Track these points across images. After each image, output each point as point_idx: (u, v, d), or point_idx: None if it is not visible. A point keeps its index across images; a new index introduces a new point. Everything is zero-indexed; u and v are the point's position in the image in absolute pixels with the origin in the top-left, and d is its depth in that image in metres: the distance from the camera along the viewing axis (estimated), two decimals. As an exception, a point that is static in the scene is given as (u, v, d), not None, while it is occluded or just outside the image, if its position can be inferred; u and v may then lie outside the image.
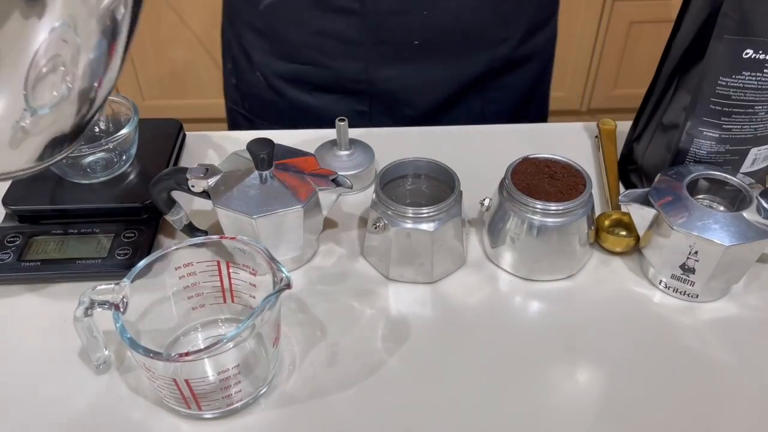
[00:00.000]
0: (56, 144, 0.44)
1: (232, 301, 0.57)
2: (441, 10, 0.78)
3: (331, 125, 0.85)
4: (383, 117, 0.87)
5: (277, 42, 0.83)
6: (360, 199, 0.71)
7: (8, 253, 0.62)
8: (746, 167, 0.63)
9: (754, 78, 0.57)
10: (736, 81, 0.58)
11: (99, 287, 0.49)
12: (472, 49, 0.83)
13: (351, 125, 0.80)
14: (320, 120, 0.87)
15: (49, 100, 0.38)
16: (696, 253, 0.56)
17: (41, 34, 0.36)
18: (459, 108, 0.88)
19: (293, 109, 0.88)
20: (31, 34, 0.35)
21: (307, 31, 0.80)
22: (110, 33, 0.40)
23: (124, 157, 0.68)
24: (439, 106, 0.87)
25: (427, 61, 0.82)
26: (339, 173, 0.62)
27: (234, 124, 0.97)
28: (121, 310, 0.48)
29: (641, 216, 0.60)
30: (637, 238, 0.63)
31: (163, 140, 0.74)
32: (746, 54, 0.56)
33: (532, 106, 0.95)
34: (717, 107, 0.59)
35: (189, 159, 0.78)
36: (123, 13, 0.40)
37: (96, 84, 0.43)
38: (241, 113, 0.94)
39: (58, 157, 0.46)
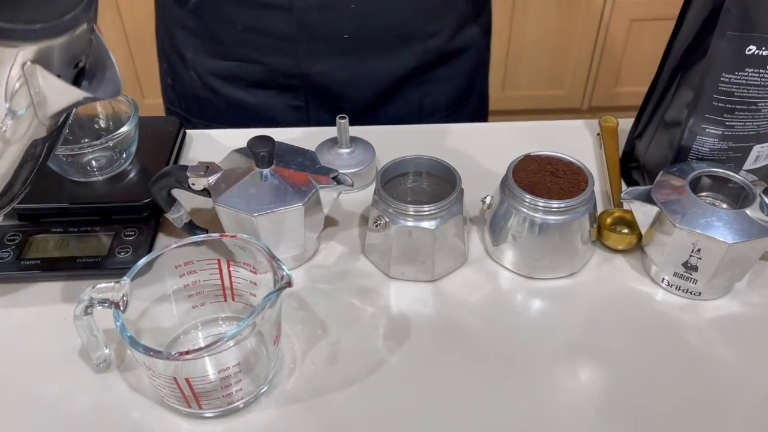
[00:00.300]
0: (35, 148, 0.44)
1: (233, 300, 0.56)
2: (368, 2, 0.78)
3: (269, 122, 0.84)
4: (320, 111, 0.87)
5: (209, 40, 0.83)
6: (361, 197, 0.71)
7: (8, 251, 0.61)
8: (749, 164, 0.63)
9: (757, 75, 0.57)
10: (739, 78, 0.57)
11: (99, 286, 0.49)
12: (403, 42, 0.83)
13: (288, 121, 0.79)
14: (258, 117, 0.87)
15: (25, 102, 0.40)
16: (699, 250, 0.56)
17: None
18: (396, 101, 0.88)
19: (229, 107, 0.87)
20: (7, 59, 0.37)
21: (237, 28, 0.80)
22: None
23: (124, 156, 0.68)
24: (375, 100, 0.87)
25: (359, 54, 0.82)
26: (340, 171, 0.61)
27: None
28: (122, 308, 0.48)
29: (643, 213, 0.60)
30: (640, 236, 0.62)
31: (163, 138, 0.74)
32: (749, 50, 0.56)
33: (470, 101, 0.95)
34: (720, 104, 0.59)
35: (189, 157, 0.78)
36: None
37: None
38: (178, 113, 0.93)
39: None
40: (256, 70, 0.84)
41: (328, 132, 0.76)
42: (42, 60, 0.37)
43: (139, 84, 2.07)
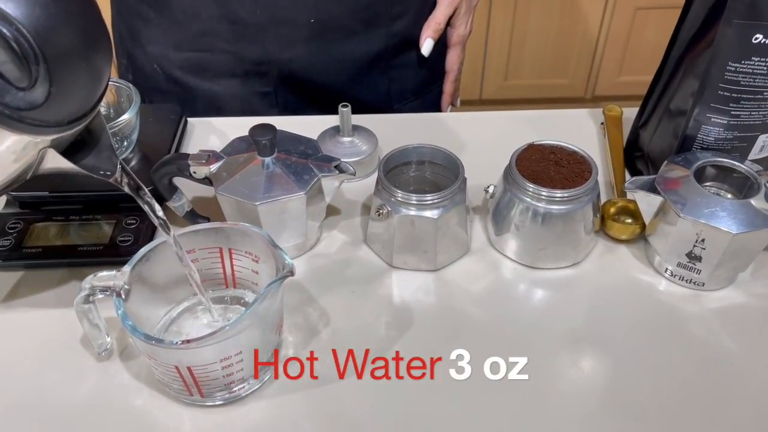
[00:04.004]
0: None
1: (235, 288, 0.56)
2: None
3: (238, 112, 0.83)
4: (289, 97, 0.87)
5: (172, 32, 0.82)
6: (363, 185, 0.71)
7: (9, 239, 0.61)
8: (754, 154, 0.63)
9: (763, 63, 0.56)
10: (745, 66, 0.57)
11: (100, 274, 0.49)
12: (368, 26, 0.82)
13: (256, 108, 0.77)
14: (227, 107, 0.86)
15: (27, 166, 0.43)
16: (703, 241, 0.55)
17: None
18: (364, 86, 0.87)
19: (196, 98, 0.86)
20: (30, 147, 0.41)
21: (201, 17, 0.79)
22: None
23: (125, 143, 0.68)
24: (344, 85, 0.86)
25: (326, 39, 0.81)
26: (342, 160, 0.61)
27: None
28: (123, 296, 0.48)
29: (647, 203, 0.59)
30: (643, 226, 0.62)
31: (164, 126, 0.74)
32: (756, 39, 0.55)
33: (437, 85, 0.95)
34: (725, 93, 0.59)
35: (191, 145, 0.78)
36: None
37: None
38: None
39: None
40: (222, 59, 0.83)
41: (330, 120, 0.75)
42: (55, 143, 0.41)
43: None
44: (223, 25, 0.79)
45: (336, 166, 0.60)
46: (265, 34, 0.79)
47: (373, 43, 0.84)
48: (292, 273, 0.48)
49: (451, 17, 0.87)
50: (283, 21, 0.79)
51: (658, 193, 0.58)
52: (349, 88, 0.86)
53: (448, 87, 0.94)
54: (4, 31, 0.36)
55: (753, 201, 0.55)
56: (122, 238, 0.62)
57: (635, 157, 0.72)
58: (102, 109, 0.70)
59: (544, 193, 0.58)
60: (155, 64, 0.85)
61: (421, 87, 0.93)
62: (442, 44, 0.90)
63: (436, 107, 0.96)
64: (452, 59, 0.92)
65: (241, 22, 0.78)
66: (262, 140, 0.58)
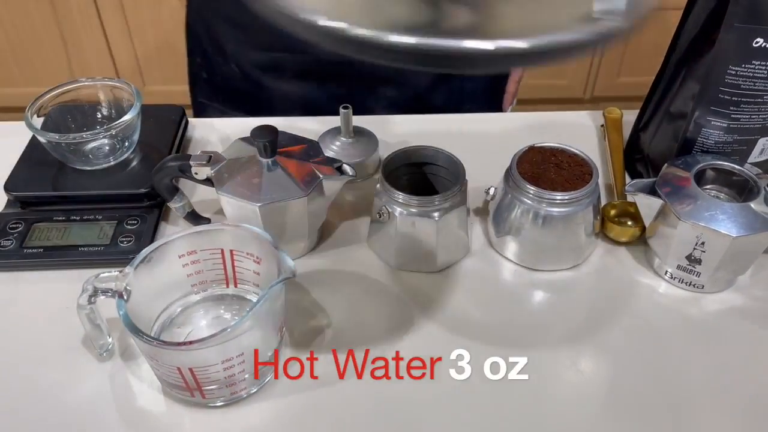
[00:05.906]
0: None
1: (236, 288, 0.56)
2: None
3: (314, 112, 0.83)
4: (366, 100, 0.86)
5: (253, 31, 0.82)
6: (364, 187, 0.71)
7: (10, 239, 0.61)
8: (754, 157, 0.63)
9: (764, 67, 0.56)
10: (745, 70, 0.57)
11: (102, 275, 0.49)
12: None
13: (332, 110, 0.78)
14: (302, 108, 0.86)
15: None
16: (703, 243, 0.56)
17: None
18: (439, 87, 0.87)
19: (272, 98, 0.86)
20: None
21: None
22: None
23: (126, 144, 0.68)
24: (419, 86, 0.86)
25: None
26: (343, 161, 0.61)
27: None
28: (125, 297, 0.48)
29: (647, 206, 0.59)
30: (643, 228, 0.62)
31: (165, 126, 0.74)
32: (756, 43, 0.55)
33: (502, 86, 0.96)
34: (726, 96, 0.59)
35: (192, 146, 0.78)
36: None
37: None
38: (215, 107, 0.92)
39: None
40: (301, 60, 0.82)
41: (332, 121, 0.75)
42: None
43: (140, 70, 2.06)
44: None
45: (337, 168, 0.60)
46: None
47: None
48: (293, 275, 0.48)
49: None
50: None
51: (659, 196, 0.58)
52: (424, 90, 0.86)
53: (511, 87, 0.97)
54: None
55: (753, 204, 0.55)
56: (123, 239, 0.62)
57: (635, 160, 0.72)
58: (103, 109, 0.70)
59: (544, 196, 0.58)
60: (233, 63, 0.85)
61: (491, 86, 0.95)
62: None
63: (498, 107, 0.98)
64: None
65: None
66: (263, 141, 0.58)
